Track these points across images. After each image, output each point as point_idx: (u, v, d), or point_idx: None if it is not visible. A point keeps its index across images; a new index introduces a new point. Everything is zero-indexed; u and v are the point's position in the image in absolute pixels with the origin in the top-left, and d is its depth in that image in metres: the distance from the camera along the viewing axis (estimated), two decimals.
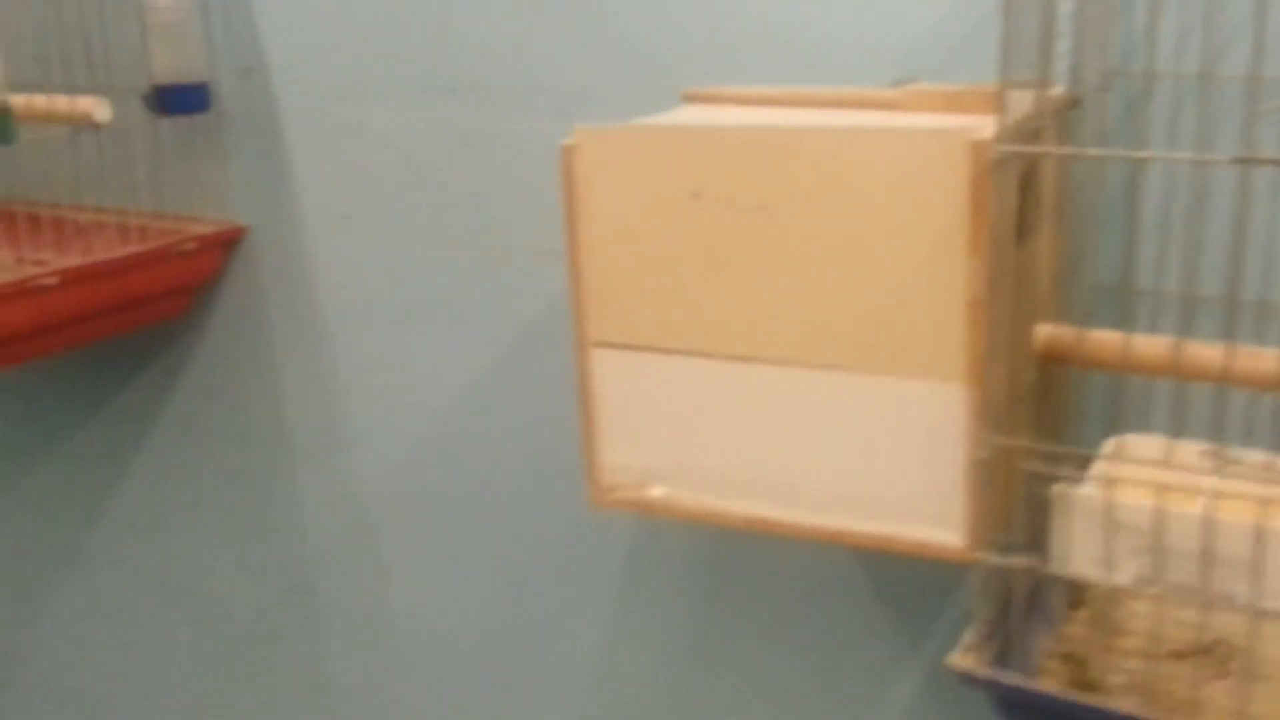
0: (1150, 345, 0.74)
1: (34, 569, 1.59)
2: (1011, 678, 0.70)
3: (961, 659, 0.72)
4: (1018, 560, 0.69)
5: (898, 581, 1.06)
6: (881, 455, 0.75)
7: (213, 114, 1.25)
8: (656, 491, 0.83)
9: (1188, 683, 0.75)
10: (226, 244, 1.29)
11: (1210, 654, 0.81)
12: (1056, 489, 0.66)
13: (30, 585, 1.61)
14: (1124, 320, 0.78)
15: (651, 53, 1.04)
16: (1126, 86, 0.85)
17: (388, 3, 1.16)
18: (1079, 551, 0.67)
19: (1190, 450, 0.75)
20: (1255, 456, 0.73)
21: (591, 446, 0.85)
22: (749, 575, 1.13)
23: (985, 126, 0.68)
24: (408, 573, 1.32)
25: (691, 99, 0.95)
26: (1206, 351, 0.71)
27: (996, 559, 0.69)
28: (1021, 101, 0.73)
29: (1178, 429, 0.75)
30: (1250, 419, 0.77)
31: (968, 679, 0.71)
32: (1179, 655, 0.80)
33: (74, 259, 1.16)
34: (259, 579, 1.42)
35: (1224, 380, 0.71)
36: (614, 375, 0.83)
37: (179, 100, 1.19)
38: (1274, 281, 0.83)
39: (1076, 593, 0.84)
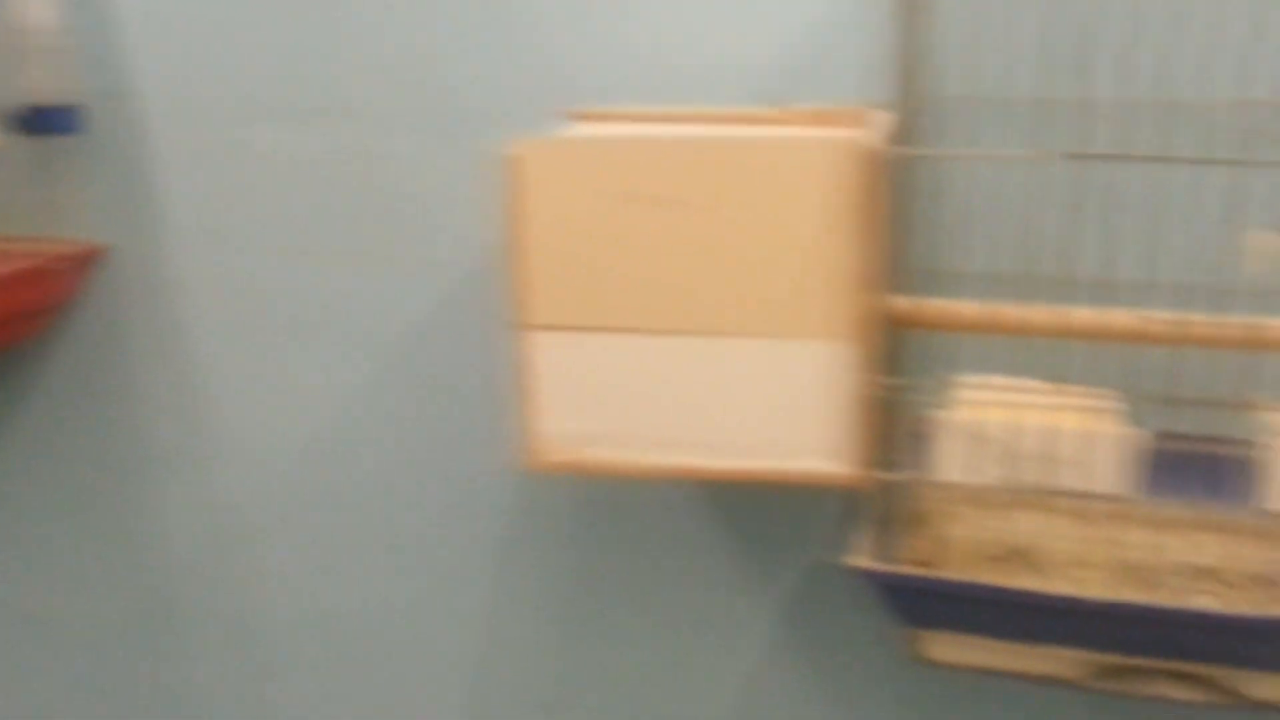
0: (969, 309, 0.96)
1: None
2: (900, 568, 0.89)
3: (856, 559, 0.90)
4: (905, 474, 0.88)
5: (751, 521, 1.24)
6: (780, 406, 0.93)
7: (73, 137, 1.29)
8: (591, 453, 0.98)
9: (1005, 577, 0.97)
10: (85, 264, 1.33)
11: (1021, 555, 1.04)
12: (936, 414, 0.86)
13: None
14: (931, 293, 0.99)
15: (529, 75, 1.17)
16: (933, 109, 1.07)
17: (261, 29, 1.24)
18: (952, 463, 0.87)
19: (1017, 384, 0.96)
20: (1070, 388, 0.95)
21: (529, 417, 0.98)
22: (620, 537, 1.28)
23: (865, 137, 0.87)
24: (279, 574, 1.39)
25: (578, 117, 1.10)
26: (1010, 312, 0.93)
27: (888, 475, 0.88)
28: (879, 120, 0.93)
29: (994, 371, 0.97)
30: (1042, 364, 1.00)
31: (865, 573, 0.89)
32: (995, 559, 1.02)
33: None
34: (114, 593, 1.44)
35: (1023, 332, 0.93)
36: (550, 354, 0.97)
37: (51, 121, 1.22)
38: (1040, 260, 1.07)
39: (917, 517, 1.05)
